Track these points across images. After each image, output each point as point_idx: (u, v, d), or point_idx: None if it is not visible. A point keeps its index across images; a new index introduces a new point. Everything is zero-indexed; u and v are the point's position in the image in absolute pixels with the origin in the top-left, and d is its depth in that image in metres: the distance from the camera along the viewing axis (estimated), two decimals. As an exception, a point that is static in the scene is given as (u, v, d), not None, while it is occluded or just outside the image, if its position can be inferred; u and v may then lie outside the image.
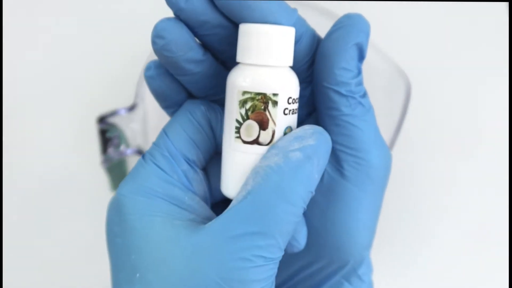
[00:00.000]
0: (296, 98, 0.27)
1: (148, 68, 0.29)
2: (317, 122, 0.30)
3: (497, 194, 0.50)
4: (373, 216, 0.30)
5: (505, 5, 0.51)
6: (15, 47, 0.53)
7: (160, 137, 0.28)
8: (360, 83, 0.28)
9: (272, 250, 0.25)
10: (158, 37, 0.26)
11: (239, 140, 0.26)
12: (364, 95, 0.29)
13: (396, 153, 0.45)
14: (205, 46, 0.28)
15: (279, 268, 0.31)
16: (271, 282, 0.25)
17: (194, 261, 0.24)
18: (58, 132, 0.52)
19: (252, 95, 0.26)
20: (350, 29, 0.28)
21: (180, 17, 0.26)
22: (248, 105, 0.26)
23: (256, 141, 0.26)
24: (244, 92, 0.26)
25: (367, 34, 0.28)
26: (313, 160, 0.25)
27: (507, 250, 0.49)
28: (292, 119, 0.27)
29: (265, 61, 0.26)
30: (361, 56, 0.28)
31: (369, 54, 0.45)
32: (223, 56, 0.29)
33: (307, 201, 0.25)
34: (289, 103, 0.26)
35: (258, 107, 0.26)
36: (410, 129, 0.48)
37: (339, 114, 0.28)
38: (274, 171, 0.25)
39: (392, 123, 0.45)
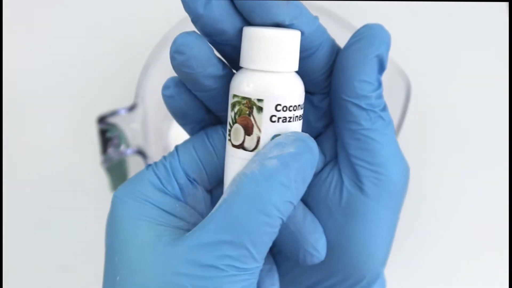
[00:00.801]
0: (292, 106, 0.26)
1: (166, 87, 0.28)
2: (335, 134, 0.29)
3: (497, 194, 0.50)
4: (390, 231, 0.29)
5: (505, 5, 0.51)
6: (15, 47, 0.53)
7: (171, 151, 0.29)
8: (380, 96, 0.28)
9: (244, 260, 0.24)
10: (177, 53, 0.25)
11: (230, 143, 0.27)
12: (384, 108, 0.28)
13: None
14: (222, 54, 0.28)
15: (293, 282, 0.31)
16: None
17: (168, 269, 0.24)
18: (58, 132, 0.52)
19: (239, 99, 0.26)
20: (371, 40, 0.27)
21: (197, 24, 0.26)
22: (236, 109, 0.26)
23: (241, 146, 0.26)
24: (234, 95, 0.26)
25: (388, 45, 0.28)
26: (291, 169, 0.24)
27: (507, 250, 0.49)
28: (284, 127, 0.26)
29: (256, 66, 0.25)
30: (381, 68, 0.28)
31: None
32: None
33: (286, 212, 0.25)
34: (277, 111, 0.25)
35: (244, 112, 0.26)
36: (410, 129, 0.48)
37: (359, 128, 0.27)
38: (248, 179, 0.24)
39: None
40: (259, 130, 0.26)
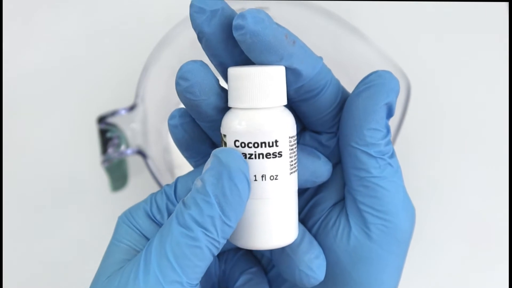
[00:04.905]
0: (252, 143, 0.26)
1: (172, 117, 0.29)
2: (343, 176, 0.29)
3: (497, 194, 0.50)
4: (396, 275, 0.29)
5: (505, 5, 0.51)
6: (15, 47, 0.53)
7: (172, 182, 0.29)
8: (389, 143, 0.28)
9: (165, 272, 0.25)
10: (182, 79, 0.26)
11: None
12: (393, 154, 0.28)
13: (396, 153, 0.45)
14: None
15: None
16: None
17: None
18: (58, 132, 0.52)
19: (221, 135, 0.27)
20: (381, 88, 0.27)
21: (201, 40, 0.26)
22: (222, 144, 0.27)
23: None
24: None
25: (397, 92, 0.28)
26: (206, 184, 0.25)
27: (507, 250, 0.49)
28: (251, 163, 0.26)
29: (230, 103, 0.27)
30: (389, 114, 0.28)
31: (369, 53, 0.45)
32: None
33: (209, 225, 0.25)
34: (236, 146, 0.26)
35: (222, 145, 0.27)
36: (410, 129, 0.48)
37: (368, 175, 0.28)
38: (182, 201, 0.26)
39: (392, 123, 0.45)
40: None
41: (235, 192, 0.25)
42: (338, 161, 0.30)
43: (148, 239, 0.28)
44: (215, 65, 0.27)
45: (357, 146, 0.28)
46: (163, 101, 0.47)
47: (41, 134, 0.52)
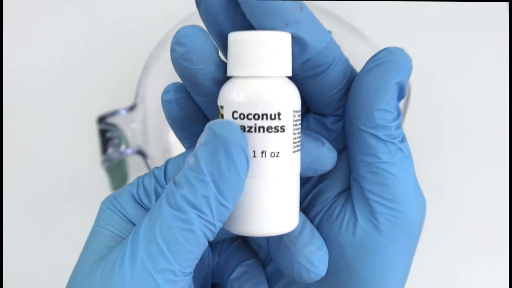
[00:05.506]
0: (252, 114, 0.23)
1: (166, 91, 0.26)
2: (349, 163, 0.27)
3: (497, 194, 0.50)
4: (405, 269, 0.27)
5: (505, 5, 0.51)
6: (15, 47, 0.53)
7: (162, 165, 0.27)
8: (399, 126, 0.26)
9: (154, 258, 0.23)
10: (178, 44, 0.24)
11: None
12: (403, 139, 0.26)
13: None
14: (225, 54, 0.26)
15: None
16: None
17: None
18: (58, 132, 0.52)
19: (218, 107, 0.25)
20: (392, 65, 0.25)
21: (200, 6, 0.24)
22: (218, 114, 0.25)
23: None
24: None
25: (409, 71, 0.25)
26: (200, 161, 0.23)
27: (507, 249, 0.49)
28: (250, 137, 0.24)
29: (229, 71, 0.24)
30: (400, 95, 0.25)
31: (369, 53, 0.45)
32: None
33: (203, 206, 0.23)
34: (234, 118, 0.23)
35: (219, 118, 0.25)
36: (410, 129, 0.48)
37: (377, 161, 0.25)
38: (173, 180, 0.24)
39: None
40: None
41: (233, 170, 0.22)
42: (343, 147, 0.27)
43: (134, 224, 0.26)
44: (213, 36, 0.25)
45: (365, 129, 0.25)
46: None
47: (41, 134, 0.52)
